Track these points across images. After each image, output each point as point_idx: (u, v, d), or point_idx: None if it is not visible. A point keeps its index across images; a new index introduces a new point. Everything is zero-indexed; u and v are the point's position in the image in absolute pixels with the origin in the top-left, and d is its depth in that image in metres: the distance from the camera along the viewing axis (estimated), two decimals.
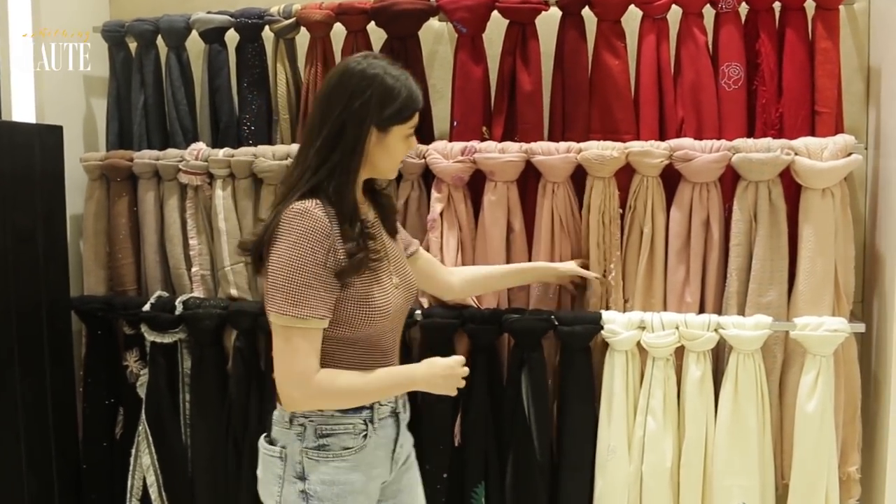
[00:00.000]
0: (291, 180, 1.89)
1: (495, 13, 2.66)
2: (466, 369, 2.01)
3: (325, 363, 1.85)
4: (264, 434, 2.00)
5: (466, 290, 2.46)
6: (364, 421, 1.92)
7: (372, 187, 2.05)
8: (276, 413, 1.97)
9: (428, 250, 2.49)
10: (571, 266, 2.52)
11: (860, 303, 2.64)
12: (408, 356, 2.51)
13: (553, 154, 2.53)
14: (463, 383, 2.01)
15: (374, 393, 1.92)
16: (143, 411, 2.84)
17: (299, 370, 1.81)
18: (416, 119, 1.95)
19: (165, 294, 2.88)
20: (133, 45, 3.03)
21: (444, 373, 1.98)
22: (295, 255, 1.78)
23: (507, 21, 2.67)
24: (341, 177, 1.86)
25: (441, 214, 2.62)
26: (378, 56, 1.95)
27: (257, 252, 1.89)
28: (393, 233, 2.10)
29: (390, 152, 1.94)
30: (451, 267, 2.51)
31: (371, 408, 1.93)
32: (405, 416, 2.06)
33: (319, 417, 1.90)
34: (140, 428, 2.84)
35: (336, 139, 1.85)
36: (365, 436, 1.92)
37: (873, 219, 2.60)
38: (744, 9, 2.56)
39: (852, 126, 2.59)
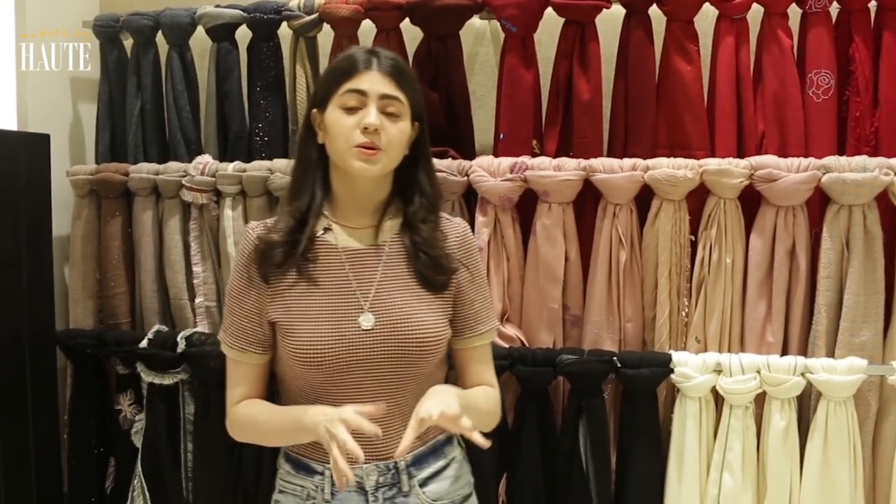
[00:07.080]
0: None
1: (549, 11, 2.39)
2: (356, 419, 1.47)
3: None
4: None
5: None
6: (316, 487, 1.65)
7: None
8: None
9: None
10: None
11: None
12: None
13: (617, 172, 2.27)
14: (343, 439, 1.45)
15: (275, 431, 1.66)
16: (138, 463, 2.56)
17: None
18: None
19: (164, 328, 2.59)
20: (129, 43, 2.72)
21: (325, 418, 1.50)
22: None
23: (563, 20, 2.41)
24: None
25: (488, 243, 2.34)
26: None
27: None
28: None
29: None
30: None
31: (322, 472, 1.65)
32: (390, 494, 1.65)
33: (280, 471, 1.74)
34: (135, 482, 2.56)
35: None
36: None
37: None
38: (835, 9, 2.33)
39: None
